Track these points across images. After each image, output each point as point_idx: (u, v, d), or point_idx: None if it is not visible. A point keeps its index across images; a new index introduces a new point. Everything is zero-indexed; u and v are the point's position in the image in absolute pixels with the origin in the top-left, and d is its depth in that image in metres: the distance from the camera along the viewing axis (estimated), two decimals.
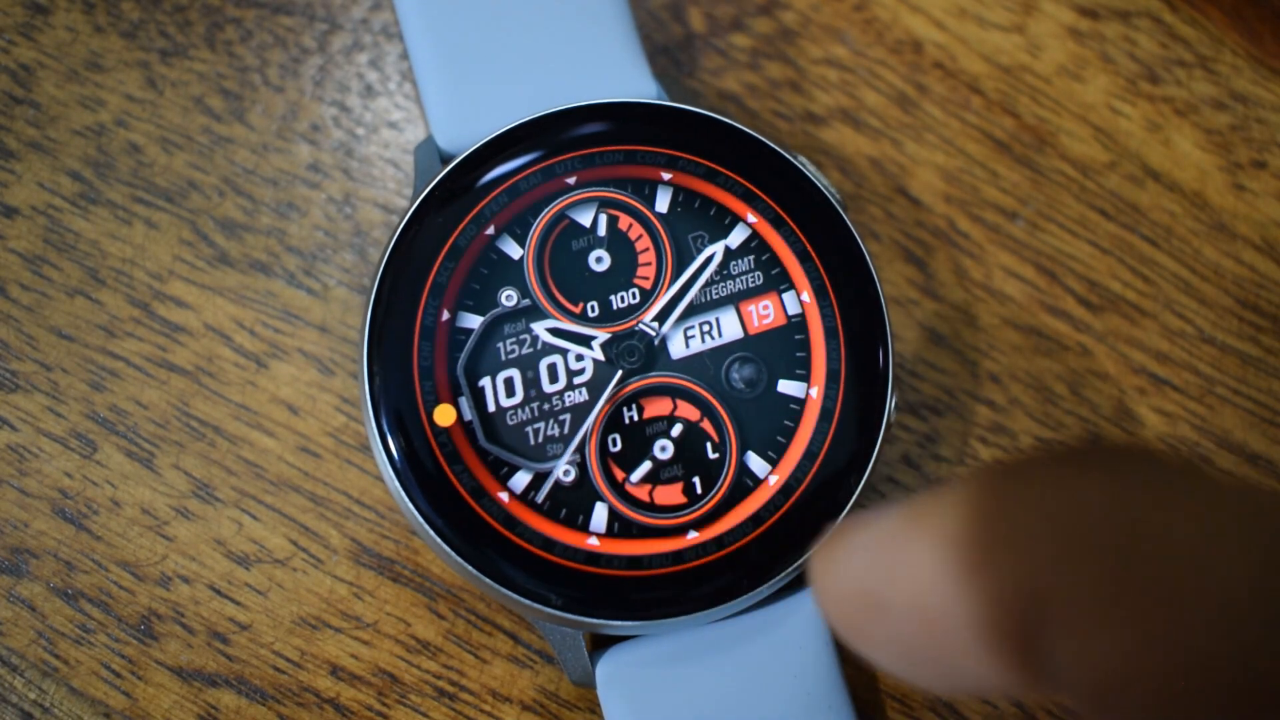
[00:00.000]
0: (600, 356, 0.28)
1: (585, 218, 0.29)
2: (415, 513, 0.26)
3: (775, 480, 0.27)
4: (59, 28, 0.33)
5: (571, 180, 0.28)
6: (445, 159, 0.29)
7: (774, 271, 0.29)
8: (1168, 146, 0.34)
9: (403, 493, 0.26)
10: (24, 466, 0.30)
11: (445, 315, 0.27)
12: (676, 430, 0.28)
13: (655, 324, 0.28)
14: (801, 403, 0.28)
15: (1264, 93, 0.35)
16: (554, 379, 0.28)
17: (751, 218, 0.29)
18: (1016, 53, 0.35)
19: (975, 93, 0.34)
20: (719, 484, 0.27)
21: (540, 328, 0.28)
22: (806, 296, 0.28)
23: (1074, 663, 0.13)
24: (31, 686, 0.29)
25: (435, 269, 0.27)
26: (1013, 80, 0.35)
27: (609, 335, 0.28)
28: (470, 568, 0.26)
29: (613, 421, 0.28)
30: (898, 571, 0.15)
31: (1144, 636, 0.12)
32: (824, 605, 0.17)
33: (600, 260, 0.28)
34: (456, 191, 0.28)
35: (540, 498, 0.27)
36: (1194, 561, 0.13)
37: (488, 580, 0.26)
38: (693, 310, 0.28)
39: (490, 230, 0.28)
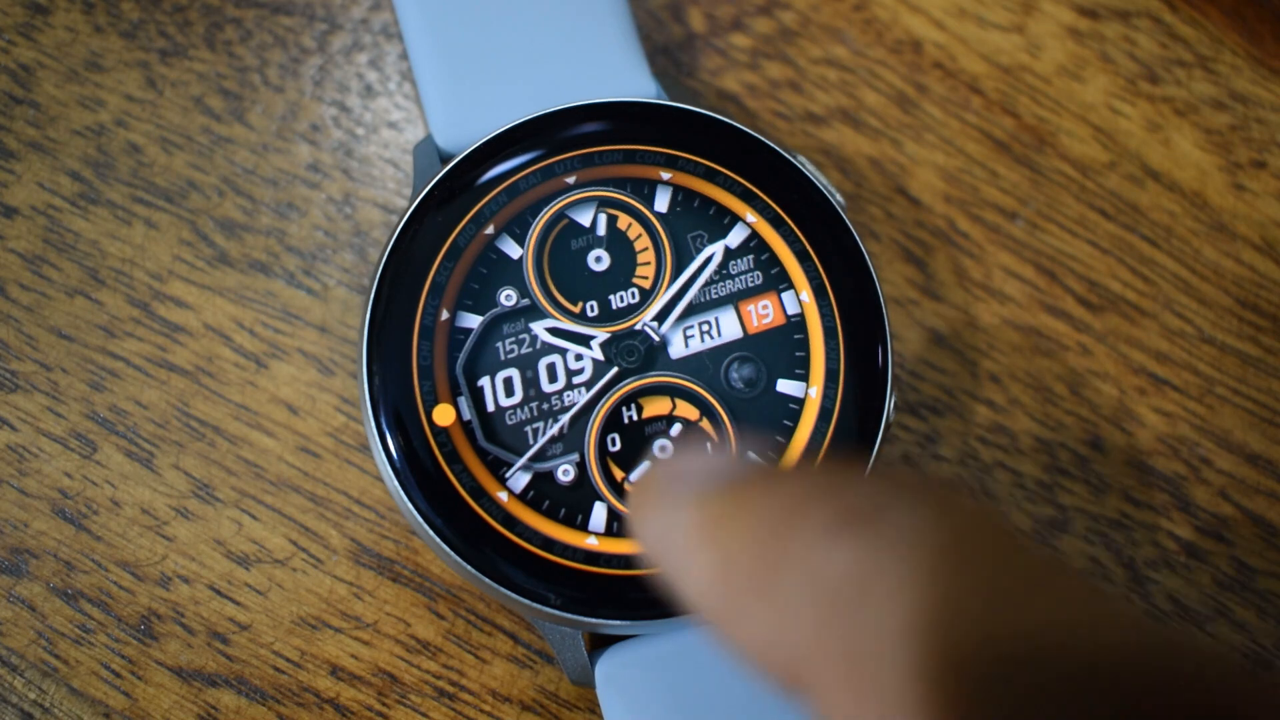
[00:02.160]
0: (599, 356, 0.28)
1: (584, 217, 0.29)
2: (414, 513, 0.26)
3: (666, 448, 0.27)
4: (59, 28, 0.33)
5: (571, 180, 0.28)
6: (444, 158, 0.29)
7: (773, 271, 0.29)
8: (1168, 146, 0.34)
9: (402, 493, 0.26)
10: (24, 466, 0.30)
11: (444, 315, 0.27)
12: (676, 430, 0.28)
13: (655, 324, 0.28)
14: (801, 402, 0.28)
15: (1264, 93, 0.35)
16: (553, 379, 0.28)
17: (751, 217, 0.29)
18: (1016, 53, 0.35)
19: (975, 93, 0.34)
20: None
21: (539, 327, 0.28)
22: (806, 296, 0.28)
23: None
24: (31, 686, 0.29)
25: (434, 268, 0.27)
26: (1013, 80, 0.35)
27: (608, 335, 0.28)
28: (469, 567, 0.26)
29: (612, 421, 0.28)
30: (685, 567, 0.16)
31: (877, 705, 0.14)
32: (637, 539, 0.18)
33: (599, 260, 0.28)
34: (455, 191, 0.28)
35: (539, 497, 0.27)
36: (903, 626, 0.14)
37: (487, 580, 0.26)
38: (692, 310, 0.28)
39: (489, 229, 0.28)
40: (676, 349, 0.28)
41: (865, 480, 0.16)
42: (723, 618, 0.16)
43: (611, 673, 0.27)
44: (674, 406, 0.28)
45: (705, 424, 0.28)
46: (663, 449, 0.28)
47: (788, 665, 0.15)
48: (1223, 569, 0.32)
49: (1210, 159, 0.34)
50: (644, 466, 0.27)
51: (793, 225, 0.28)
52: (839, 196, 0.29)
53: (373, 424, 0.27)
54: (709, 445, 0.28)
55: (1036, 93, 0.35)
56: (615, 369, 0.28)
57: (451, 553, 0.26)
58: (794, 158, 0.29)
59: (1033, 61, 0.35)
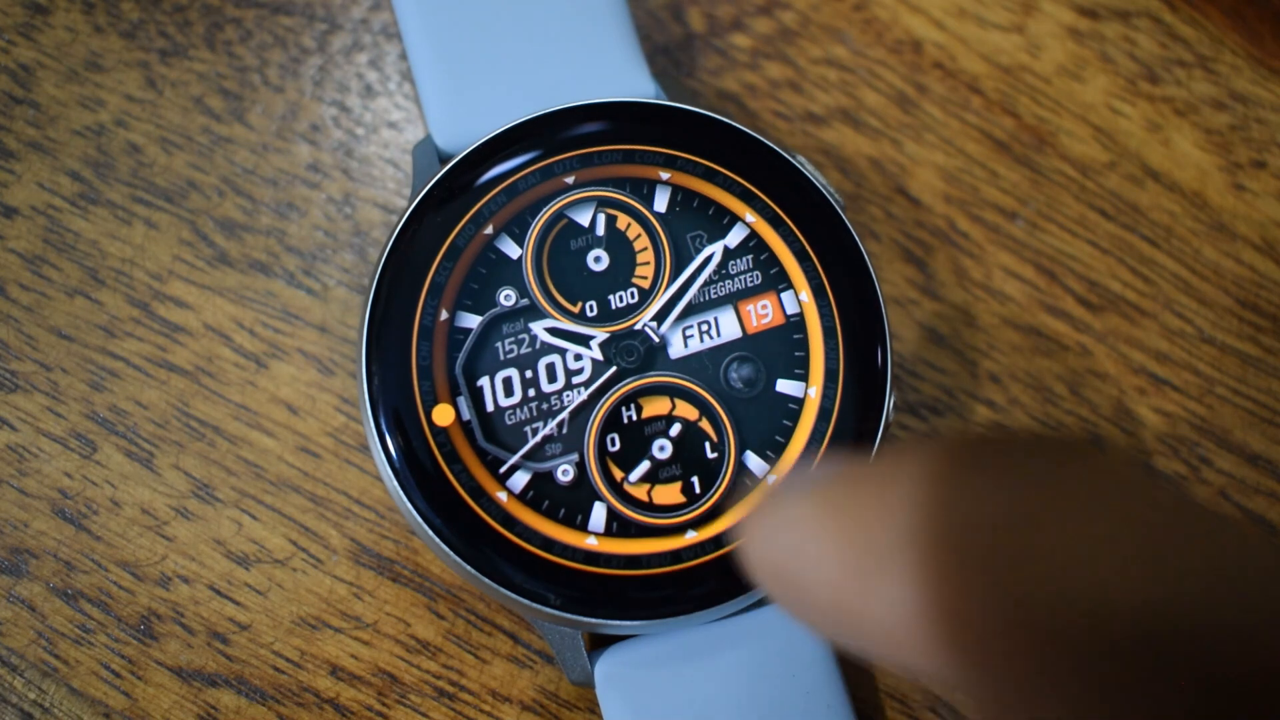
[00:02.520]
0: (599, 356, 0.28)
1: (584, 217, 0.29)
2: (414, 513, 0.26)
3: (774, 480, 0.27)
4: (59, 28, 0.33)
5: (570, 180, 0.28)
6: (444, 158, 0.29)
7: (772, 271, 0.28)
8: (1168, 146, 0.34)
9: (401, 493, 0.26)
10: (24, 466, 0.30)
11: (444, 315, 0.27)
12: (675, 430, 0.28)
13: (654, 324, 0.28)
14: (800, 402, 0.28)
15: (1264, 93, 0.35)
16: (552, 379, 0.28)
17: (750, 217, 0.29)
18: (1016, 53, 0.35)
19: (975, 93, 0.34)
20: (718, 483, 0.27)
21: (539, 327, 0.28)
22: (805, 296, 0.28)
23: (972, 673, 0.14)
24: (31, 686, 0.29)
25: (434, 268, 0.27)
26: (1012, 80, 0.35)
27: (607, 335, 0.28)
28: (469, 567, 0.26)
29: (611, 421, 0.28)
30: (815, 559, 0.16)
31: (1021, 614, 0.13)
32: (753, 573, 0.17)
33: (599, 260, 0.28)
34: (455, 191, 0.28)
35: (539, 497, 0.27)
36: (1063, 553, 0.14)
37: (486, 580, 0.26)
38: (691, 310, 0.28)
39: (489, 230, 0.28)
40: (676, 349, 0.28)
41: (943, 447, 0.15)
42: (853, 602, 0.15)
43: (611, 673, 0.27)
44: (673, 406, 0.28)
45: (704, 424, 0.28)
46: (661, 449, 0.28)
47: (929, 638, 0.14)
48: None
49: (1210, 159, 0.34)
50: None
51: (792, 225, 0.28)
52: (838, 196, 0.29)
53: (372, 424, 0.27)
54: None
55: (1036, 93, 0.34)
56: (614, 369, 0.28)
57: (451, 553, 0.26)
58: (793, 158, 0.29)
59: (1033, 61, 0.35)
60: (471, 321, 0.28)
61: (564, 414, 0.27)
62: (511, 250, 0.28)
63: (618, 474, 0.27)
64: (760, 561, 0.17)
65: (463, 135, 0.29)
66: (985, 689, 0.14)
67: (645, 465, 0.27)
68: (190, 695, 0.29)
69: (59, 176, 0.32)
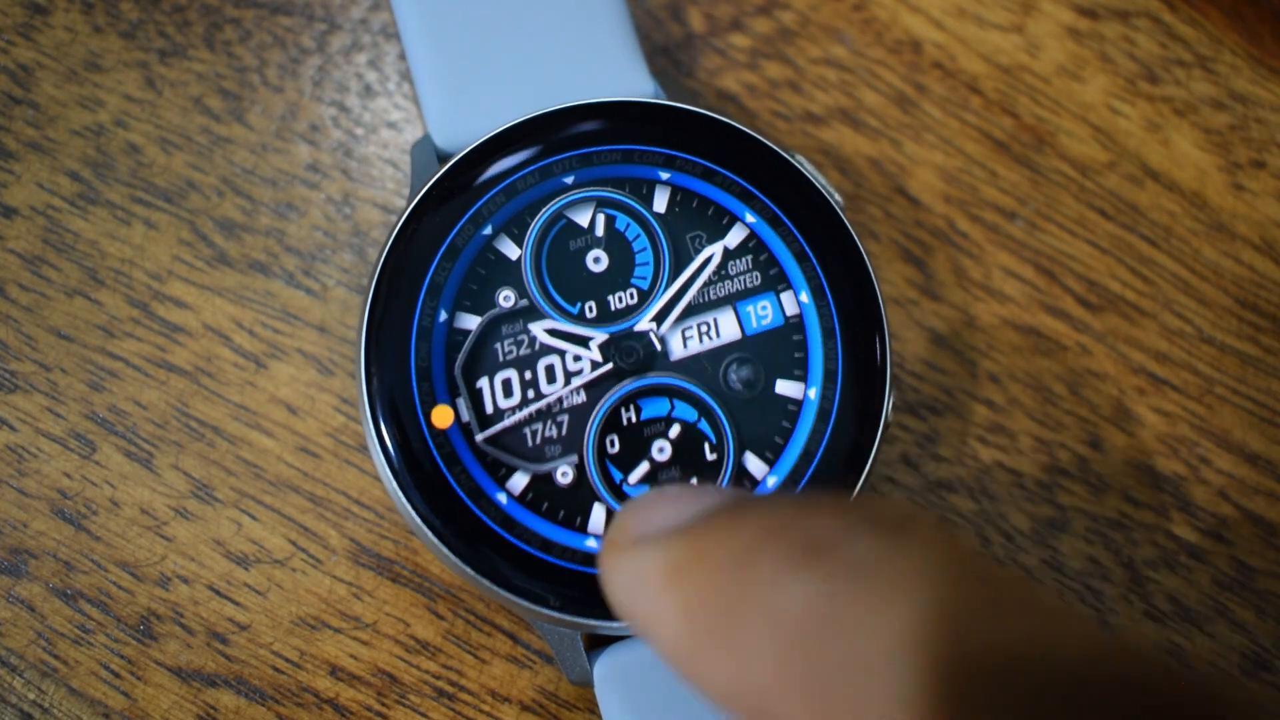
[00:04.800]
0: (598, 357, 0.28)
1: (583, 218, 0.29)
2: (413, 514, 0.26)
3: (773, 481, 0.27)
4: (58, 28, 0.33)
5: (569, 180, 0.28)
6: (443, 158, 0.29)
7: (772, 272, 0.28)
8: (1167, 146, 0.34)
9: (400, 494, 0.26)
10: (23, 467, 0.30)
11: (442, 316, 0.27)
12: (674, 431, 0.28)
13: (653, 325, 0.28)
14: (799, 403, 0.28)
15: (1263, 93, 0.35)
16: (551, 380, 0.28)
17: (750, 218, 0.29)
18: (1015, 52, 0.35)
19: (974, 93, 0.34)
20: (717, 484, 0.27)
21: (538, 328, 0.28)
22: (804, 297, 0.28)
23: None
24: (31, 687, 0.29)
25: (432, 269, 0.27)
26: (1012, 80, 0.35)
27: (607, 336, 0.28)
28: (468, 569, 0.26)
29: (610, 422, 0.28)
30: (647, 621, 0.16)
31: None
32: (607, 595, 0.18)
33: (598, 260, 0.28)
34: (453, 191, 0.28)
35: (538, 499, 0.27)
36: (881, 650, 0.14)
37: (485, 581, 0.26)
38: (691, 311, 0.28)
39: (487, 230, 0.28)
40: (675, 350, 0.28)
41: (827, 509, 0.16)
42: (689, 668, 0.15)
43: (610, 673, 0.27)
44: (673, 408, 0.28)
45: (704, 425, 0.28)
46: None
47: (755, 707, 0.15)
48: (1222, 569, 0.32)
49: (1210, 159, 0.34)
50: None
51: (791, 225, 0.28)
52: (837, 196, 0.29)
53: (371, 425, 0.27)
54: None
55: (1036, 93, 0.34)
56: (614, 370, 0.28)
57: (450, 554, 0.26)
58: (793, 157, 0.29)
59: (1032, 61, 0.35)
60: (471, 322, 0.28)
61: (564, 415, 0.27)
62: (510, 251, 0.28)
63: (617, 475, 0.27)
64: (613, 595, 0.17)
65: (462, 135, 0.29)
66: None
67: (644, 467, 0.27)
68: (190, 695, 0.29)
69: (58, 177, 0.32)
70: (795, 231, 0.28)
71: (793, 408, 0.28)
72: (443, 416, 0.27)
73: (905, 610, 0.14)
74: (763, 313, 0.28)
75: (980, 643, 0.13)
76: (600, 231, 0.28)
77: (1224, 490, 0.32)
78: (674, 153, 0.28)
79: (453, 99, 0.29)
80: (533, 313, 0.28)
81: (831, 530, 0.15)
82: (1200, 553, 0.32)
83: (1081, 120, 0.34)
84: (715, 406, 0.28)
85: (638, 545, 0.17)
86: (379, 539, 0.30)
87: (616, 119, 0.28)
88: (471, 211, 0.28)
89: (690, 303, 0.28)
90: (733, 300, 0.28)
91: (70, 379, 0.31)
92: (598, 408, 0.27)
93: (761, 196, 0.28)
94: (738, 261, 0.29)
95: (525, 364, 0.28)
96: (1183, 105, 0.35)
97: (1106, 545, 0.31)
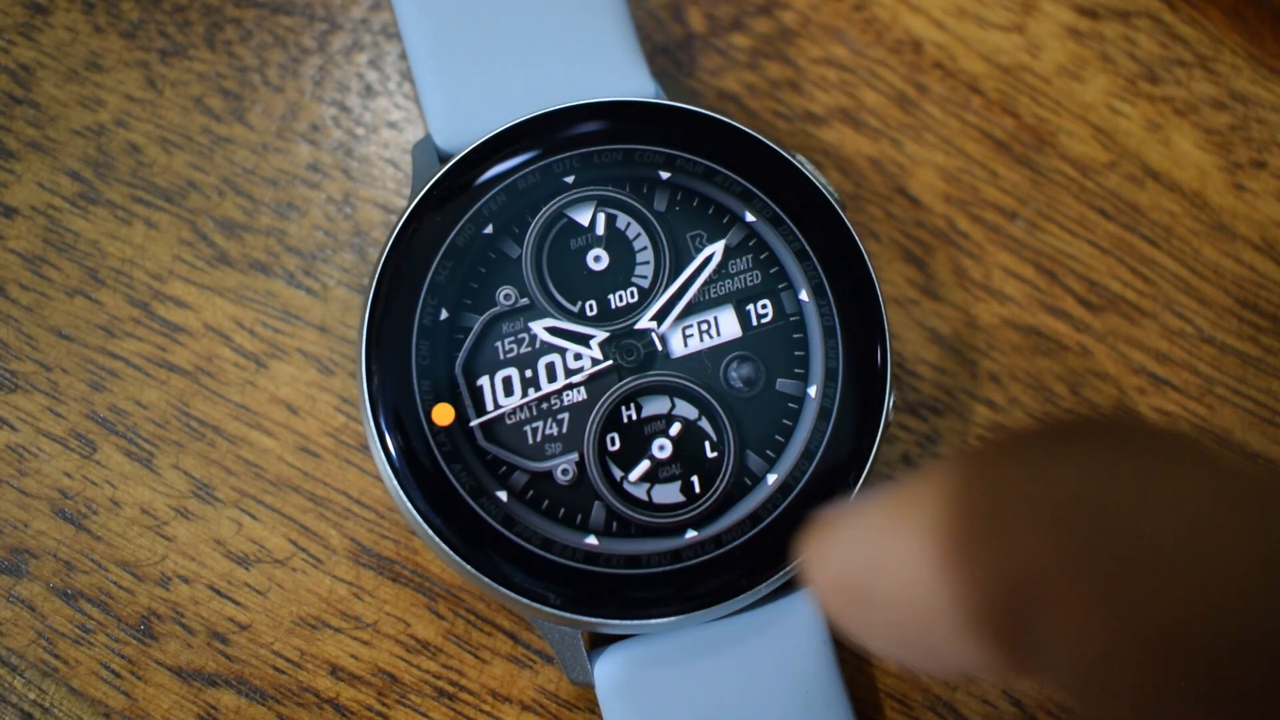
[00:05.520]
0: (599, 355, 0.28)
1: (583, 216, 0.29)
2: (414, 512, 0.26)
3: (774, 479, 0.27)
4: (59, 28, 0.33)
5: (570, 179, 0.28)
6: (443, 158, 0.29)
7: (772, 270, 0.29)
8: (1168, 146, 0.34)
9: (401, 492, 0.26)
10: (24, 466, 0.30)
11: (443, 314, 0.27)
12: (675, 429, 0.28)
13: (654, 323, 0.28)
14: (800, 401, 0.28)
15: (1264, 93, 0.35)
16: (552, 378, 0.28)
17: (750, 216, 0.29)
18: (1016, 52, 0.35)
19: (975, 92, 0.34)
20: (717, 483, 0.27)
21: (538, 327, 0.28)
22: (805, 295, 0.28)
23: (1058, 649, 0.13)
24: (31, 686, 0.29)
25: (433, 268, 0.27)
26: (1012, 80, 0.35)
27: (607, 334, 0.28)
28: (469, 567, 0.26)
29: (611, 420, 0.28)
30: (885, 561, 0.15)
31: (1124, 622, 0.12)
32: (817, 594, 0.17)
33: (598, 259, 0.28)
34: (454, 190, 0.28)
35: (538, 497, 0.27)
36: (1173, 545, 0.13)
37: (486, 579, 0.26)
38: (691, 309, 0.28)
39: (488, 229, 0.28)
40: (676, 348, 0.28)
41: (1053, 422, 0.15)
42: (955, 569, 0.14)
43: (611, 672, 0.27)
44: (673, 406, 0.28)
45: (704, 423, 0.28)
46: (661, 448, 0.28)
47: (1035, 597, 0.13)
48: None
49: (1210, 159, 0.34)
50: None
51: (791, 225, 0.28)
52: (838, 196, 0.29)
53: (371, 424, 0.27)
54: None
55: (1036, 93, 0.35)
56: (614, 368, 0.28)
57: (450, 552, 0.26)
58: (793, 157, 0.29)
59: (1033, 61, 0.35)
60: (471, 321, 0.28)
61: (564, 413, 0.27)
62: (511, 249, 0.28)
63: (618, 473, 0.27)
64: (826, 581, 0.16)
65: (462, 135, 0.29)
66: (1088, 698, 0.13)
67: (645, 464, 0.27)
68: (190, 695, 0.29)
69: (59, 176, 0.32)
70: (795, 230, 0.28)
71: (793, 406, 0.28)
72: (443, 414, 0.27)
73: (1166, 511, 0.13)
74: (763, 311, 0.28)
75: (1249, 574, 0.12)
76: (601, 230, 0.28)
77: None
78: (674, 152, 0.28)
79: (453, 99, 0.29)
80: (533, 311, 0.28)
81: (1070, 424, 0.14)
82: None
83: (1082, 120, 0.34)
84: (715, 404, 0.28)
85: (850, 515, 0.16)
86: (380, 539, 0.30)
87: (617, 119, 0.28)
88: (472, 211, 0.28)
89: (691, 301, 0.28)
90: (733, 299, 0.28)
91: (71, 379, 0.31)
92: (598, 406, 0.27)
93: (762, 196, 0.28)
94: (738, 260, 0.29)
95: (526, 362, 0.28)
96: (1183, 105, 0.35)
97: None
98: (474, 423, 0.27)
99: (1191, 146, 0.34)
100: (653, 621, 0.26)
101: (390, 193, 0.33)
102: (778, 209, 0.28)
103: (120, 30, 0.33)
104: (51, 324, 0.31)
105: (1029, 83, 0.35)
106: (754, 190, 0.28)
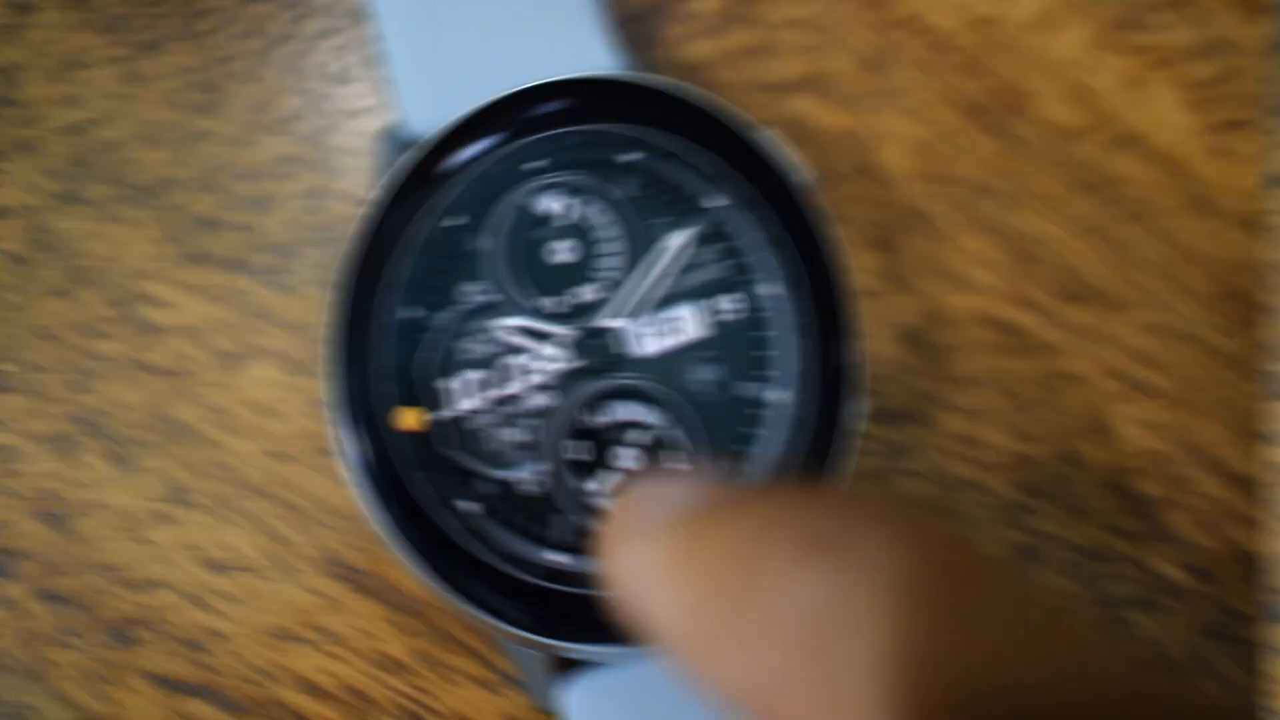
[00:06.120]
0: (564, 355, 0.26)
1: (547, 206, 0.27)
2: (374, 518, 0.25)
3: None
4: (40, 26, 0.33)
5: (532, 167, 0.26)
6: (403, 147, 0.27)
7: (741, 262, 0.26)
8: (1146, 105, 0.31)
9: (363, 499, 0.25)
10: (5, 468, 0.30)
11: (401, 312, 0.26)
12: (641, 433, 0.26)
13: (620, 320, 0.26)
14: (767, 404, 0.26)
15: (1247, 35, 0.31)
16: (515, 379, 0.26)
17: (719, 201, 0.26)
18: (987, 7, 0.31)
19: (949, 52, 0.31)
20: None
21: (502, 324, 0.26)
22: (776, 289, 0.26)
23: None
24: (13, 689, 0.29)
25: (391, 264, 0.26)
26: (988, 37, 0.31)
27: (574, 332, 0.26)
28: (428, 578, 0.25)
29: (577, 424, 0.26)
30: (652, 607, 0.16)
31: None
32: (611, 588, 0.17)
33: (563, 252, 0.26)
34: (413, 182, 0.26)
35: (501, 506, 0.25)
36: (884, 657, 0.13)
37: (446, 592, 0.25)
38: (659, 305, 0.26)
39: (446, 221, 0.26)
40: (643, 347, 0.26)
41: (834, 502, 0.15)
42: (695, 655, 0.15)
43: (580, 700, 0.25)
44: (640, 408, 0.26)
45: (672, 427, 0.26)
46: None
47: (762, 701, 0.14)
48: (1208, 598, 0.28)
49: (1193, 117, 0.31)
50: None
51: (761, 215, 0.26)
52: (809, 179, 0.26)
53: (333, 428, 0.25)
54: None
55: (1010, 50, 0.31)
56: (581, 369, 0.26)
57: (410, 561, 0.25)
58: (761, 136, 0.26)
59: (1007, 14, 0.31)
60: (430, 319, 0.26)
61: (529, 418, 0.26)
62: (473, 243, 0.26)
63: (585, 485, 0.25)
64: (614, 585, 0.17)
65: (435, 116, 0.27)
66: None
67: (611, 467, 0.26)
68: (165, 702, 0.28)
69: (39, 176, 0.32)
70: (765, 221, 0.26)
71: (762, 409, 0.26)
72: (403, 419, 0.26)
73: (896, 621, 0.13)
74: (732, 307, 0.26)
75: (973, 665, 0.13)
76: (565, 221, 0.27)
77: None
78: (640, 134, 0.26)
79: (425, 80, 0.28)
80: (498, 309, 0.26)
81: (838, 521, 0.15)
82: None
83: (1058, 80, 0.31)
84: (684, 406, 0.26)
85: (640, 534, 0.16)
86: (352, 549, 0.29)
87: (581, 97, 0.26)
88: (430, 202, 0.26)
89: (658, 296, 0.26)
90: (701, 294, 0.26)
91: (52, 379, 0.30)
92: (564, 408, 0.26)
93: (731, 178, 0.26)
94: (707, 250, 0.26)
95: (487, 363, 0.26)
96: (1168, 55, 0.31)
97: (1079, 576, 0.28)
98: (433, 427, 0.26)
99: (1173, 103, 0.31)
100: (619, 649, 0.24)
101: (365, 185, 0.31)
102: (746, 197, 0.26)
103: (100, 26, 0.32)
104: (32, 324, 0.31)
105: (1002, 42, 0.31)
106: (723, 173, 0.26)
